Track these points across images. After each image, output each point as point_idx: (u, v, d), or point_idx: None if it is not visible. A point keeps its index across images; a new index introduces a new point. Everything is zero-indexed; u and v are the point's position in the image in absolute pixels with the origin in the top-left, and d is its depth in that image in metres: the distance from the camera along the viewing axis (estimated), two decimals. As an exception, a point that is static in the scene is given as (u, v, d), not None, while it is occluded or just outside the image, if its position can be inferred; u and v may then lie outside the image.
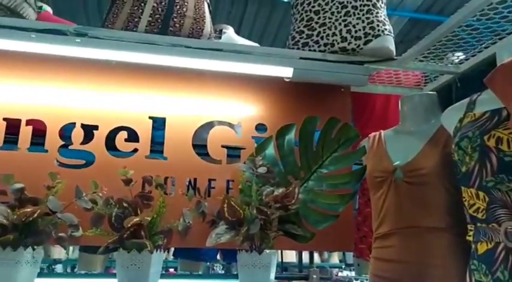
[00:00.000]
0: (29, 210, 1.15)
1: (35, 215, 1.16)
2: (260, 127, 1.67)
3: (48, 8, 2.03)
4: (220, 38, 2.11)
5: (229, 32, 2.31)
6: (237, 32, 2.30)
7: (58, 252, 4.40)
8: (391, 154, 1.49)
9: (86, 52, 1.39)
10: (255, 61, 1.53)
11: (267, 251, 1.26)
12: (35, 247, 1.17)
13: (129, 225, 1.17)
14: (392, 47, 1.59)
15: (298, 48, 1.58)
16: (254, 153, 1.48)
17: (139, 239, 1.20)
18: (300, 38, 1.60)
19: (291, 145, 1.47)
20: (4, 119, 1.44)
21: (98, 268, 2.54)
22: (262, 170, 1.35)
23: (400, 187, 1.42)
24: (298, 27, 1.61)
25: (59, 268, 4.88)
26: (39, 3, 1.82)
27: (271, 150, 1.46)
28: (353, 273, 3.53)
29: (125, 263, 1.18)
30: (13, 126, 1.45)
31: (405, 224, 1.41)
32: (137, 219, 1.19)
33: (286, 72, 1.56)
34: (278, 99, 1.70)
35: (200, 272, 2.62)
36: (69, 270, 4.93)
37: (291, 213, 1.29)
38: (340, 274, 4.26)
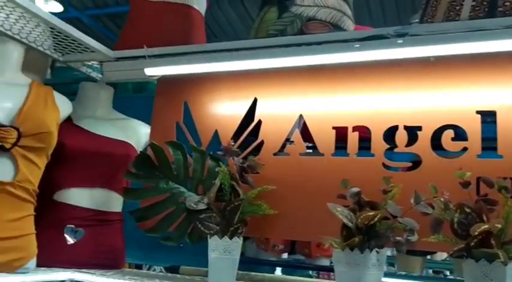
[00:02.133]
0: (370, 214, 1.19)
1: (376, 218, 1.19)
2: None
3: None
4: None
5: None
6: None
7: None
8: None
9: (406, 52, 1.36)
10: None
11: None
12: (377, 250, 1.20)
13: (477, 232, 1.07)
14: None
15: None
16: None
17: (489, 248, 1.08)
18: None
19: None
20: (333, 128, 1.56)
21: (416, 270, 2.50)
22: None
23: None
24: None
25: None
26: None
27: None
28: None
29: (473, 274, 1.08)
30: (341, 134, 1.55)
31: None
32: (486, 226, 1.07)
33: None
34: None
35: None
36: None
37: None
38: None
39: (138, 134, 1.83)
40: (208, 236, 1.39)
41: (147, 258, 2.26)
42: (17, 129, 1.33)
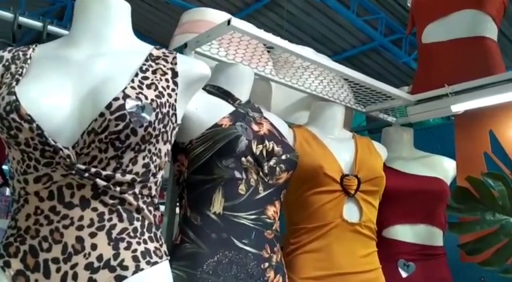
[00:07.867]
0: None
1: None
2: None
3: None
4: None
5: None
6: None
7: None
8: None
9: None
10: None
11: None
12: None
13: None
14: None
15: None
16: None
17: None
18: None
19: None
20: None
21: None
22: None
23: None
24: None
25: None
26: None
27: None
28: None
29: None
30: None
31: None
32: None
33: None
34: None
35: None
36: None
37: None
38: None
39: (444, 168, 1.89)
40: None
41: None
42: (357, 177, 1.55)
